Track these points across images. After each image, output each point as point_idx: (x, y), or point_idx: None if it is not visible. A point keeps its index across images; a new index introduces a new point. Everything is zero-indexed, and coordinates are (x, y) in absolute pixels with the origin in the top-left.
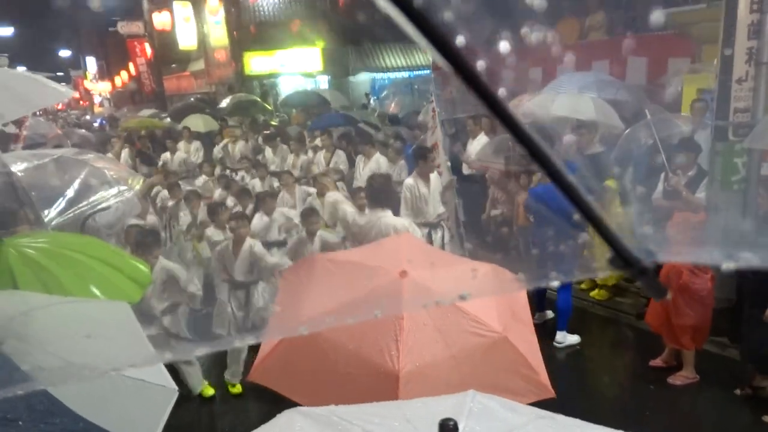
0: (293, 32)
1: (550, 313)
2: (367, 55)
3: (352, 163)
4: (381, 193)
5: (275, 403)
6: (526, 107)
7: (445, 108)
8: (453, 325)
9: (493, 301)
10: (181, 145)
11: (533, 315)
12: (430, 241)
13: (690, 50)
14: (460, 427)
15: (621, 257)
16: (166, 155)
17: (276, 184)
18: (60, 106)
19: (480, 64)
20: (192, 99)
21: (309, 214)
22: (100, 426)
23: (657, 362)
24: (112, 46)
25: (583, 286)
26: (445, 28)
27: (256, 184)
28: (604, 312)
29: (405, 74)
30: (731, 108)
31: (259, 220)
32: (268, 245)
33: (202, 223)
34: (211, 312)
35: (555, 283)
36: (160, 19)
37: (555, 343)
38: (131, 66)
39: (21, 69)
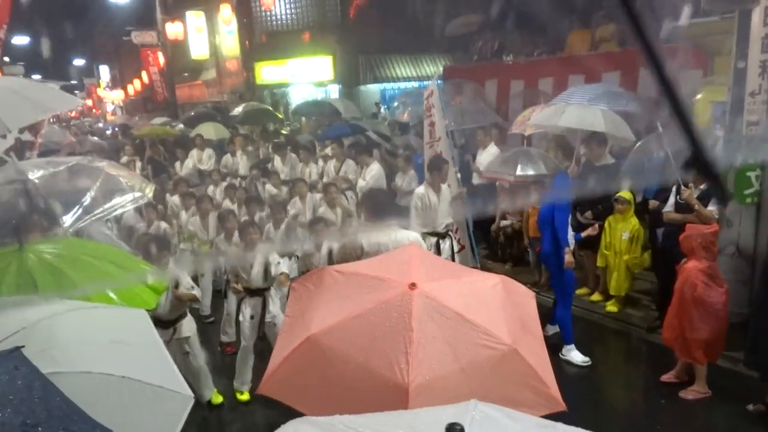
0: (304, 42)
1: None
2: (378, 64)
3: None
4: (381, 207)
5: (283, 411)
6: (536, 118)
7: (454, 118)
8: (463, 338)
9: (503, 313)
10: (194, 152)
11: (543, 327)
12: (438, 250)
13: (703, 63)
14: None
15: (699, 160)
16: (180, 163)
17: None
18: (73, 114)
19: None
20: (204, 107)
21: (316, 223)
22: None
23: (669, 377)
24: (126, 55)
25: (593, 298)
26: None
27: (271, 191)
28: (615, 325)
29: (415, 84)
30: (744, 121)
31: (269, 229)
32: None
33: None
34: (219, 320)
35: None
36: (173, 29)
37: (561, 355)
38: (144, 75)
39: (36, 77)
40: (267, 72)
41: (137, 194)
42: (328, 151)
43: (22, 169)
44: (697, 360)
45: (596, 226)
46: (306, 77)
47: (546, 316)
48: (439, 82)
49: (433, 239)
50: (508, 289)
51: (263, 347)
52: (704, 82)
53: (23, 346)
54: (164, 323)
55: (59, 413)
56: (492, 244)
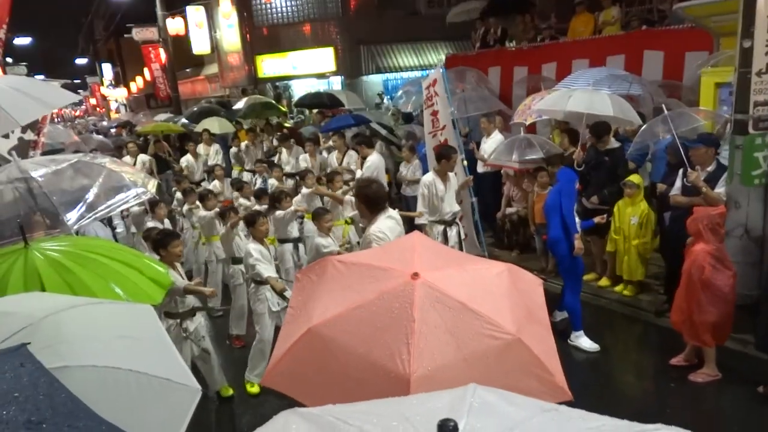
0: (305, 34)
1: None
2: (380, 55)
3: None
4: (374, 198)
5: (294, 403)
6: (542, 104)
7: (457, 107)
8: (465, 327)
9: (507, 301)
10: (201, 148)
11: (551, 314)
12: (445, 238)
13: (708, 44)
14: (461, 425)
15: None
16: (185, 158)
17: (290, 183)
18: (78, 113)
19: None
20: (206, 102)
21: (321, 214)
22: (123, 429)
23: (678, 360)
24: (127, 53)
25: (601, 283)
26: None
27: (273, 185)
28: (623, 309)
29: (417, 73)
30: (751, 101)
31: (275, 219)
32: (285, 242)
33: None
34: (227, 314)
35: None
36: (174, 25)
37: (569, 341)
38: (146, 71)
39: (39, 77)
40: (269, 65)
41: (140, 190)
42: (332, 142)
43: (25, 168)
44: (706, 343)
45: (604, 216)
46: (308, 69)
47: (554, 302)
48: (442, 69)
49: (441, 227)
50: (513, 277)
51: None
52: (709, 63)
53: (29, 343)
54: (174, 316)
55: (64, 410)
56: (498, 232)
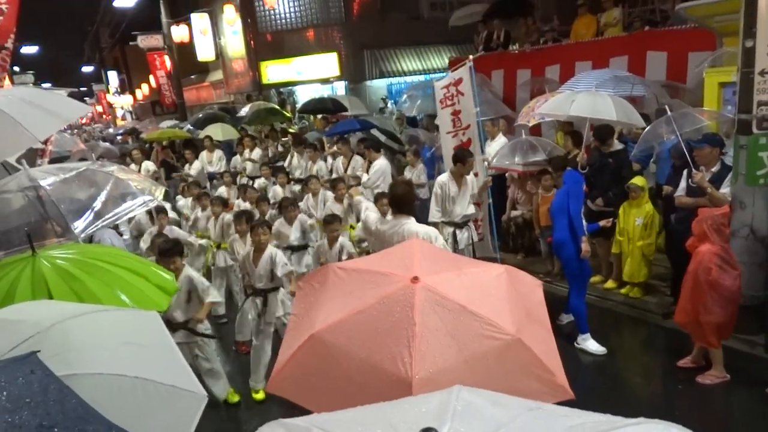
0: (309, 40)
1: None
2: (383, 59)
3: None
4: (403, 200)
5: (299, 409)
6: (545, 107)
7: None
8: (465, 329)
9: (506, 302)
10: (204, 154)
11: (557, 317)
12: (455, 240)
13: (711, 44)
14: (444, 431)
15: None
16: (189, 165)
17: (297, 188)
18: (84, 121)
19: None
20: (211, 109)
21: (331, 221)
22: None
23: (685, 362)
24: (133, 60)
25: (607, 285)
26: None
27: (277, 191)
28: (630, 311)
29: (421, 77)
30: (754, 101)
31: (280, 226)
32: (291, 249)
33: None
34: (232, 320)
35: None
36: (179, 32)
37: (576, 344)
38: (152, 78)
39: (46, 85)
40: (273, 71)
41: (147, 197)
42: (336, 148)
43: (33, 176)
44: (712, 344)
45: (610, 220)
46: (312, 75)
47: (560, 305)
48: (471, 66)
49: (450, 229)
50: (512, 279)
51: (277, 346)
52: (709, 61)
53: (39, 351)
54: (181, 325)
55: (74, 415)
56: (503, 235)
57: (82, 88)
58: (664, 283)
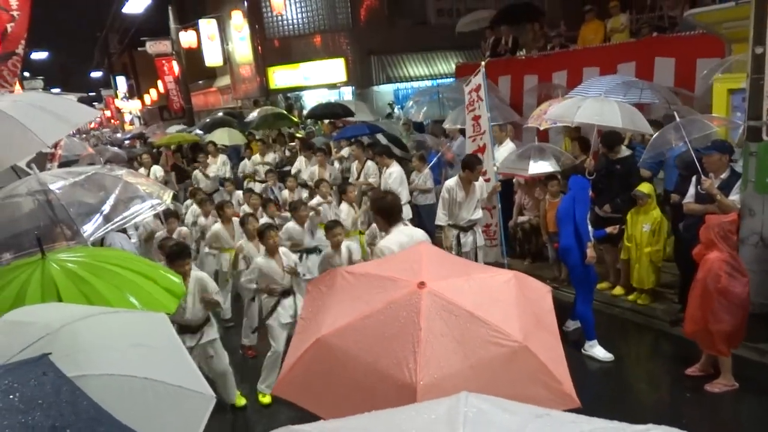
0: (316, 45)
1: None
2: (390, 65)
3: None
4: (388, 210)
5: (304, 413)
6: (552, 112)
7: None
8: (472, 335)
9: (514, 309)
10: (208, 159)
11: (564, 323)
12: (459, 244)
13: (719, 50)
14: None
15: None
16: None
17: (305, 195)
18: (92, 125)
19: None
20: (220, 114)
21: (332, 227)
22: None
23: (693, 370)
24: (141, 66)
25: (614, 292)
26: None
27: (285, 196)
28: (638, 318)
29: (428, 83)
30: (764, 107)
31: (292, 229)
32: (302, 252)
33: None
34: (238, 324)
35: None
36: (187, 38)
37: (583, 351)
38: (160, 84)
39: (55, 91)
40: (280, 76)
41: (155, 201)
42: (344, 152)
43: (43, 180)
44: (722, 352)
45: (617, 226)
46: (319, 80)
47: (567, 311)
48: (483, 73)
49: (455, 231)
50: (521, 285)
51: (287, 349)
52: (721, 69)
53: (50, 353)
54: (192, 329)
55: (87, 416)
56: (510, 241)
57: (90, 93)
58: (672, 290)
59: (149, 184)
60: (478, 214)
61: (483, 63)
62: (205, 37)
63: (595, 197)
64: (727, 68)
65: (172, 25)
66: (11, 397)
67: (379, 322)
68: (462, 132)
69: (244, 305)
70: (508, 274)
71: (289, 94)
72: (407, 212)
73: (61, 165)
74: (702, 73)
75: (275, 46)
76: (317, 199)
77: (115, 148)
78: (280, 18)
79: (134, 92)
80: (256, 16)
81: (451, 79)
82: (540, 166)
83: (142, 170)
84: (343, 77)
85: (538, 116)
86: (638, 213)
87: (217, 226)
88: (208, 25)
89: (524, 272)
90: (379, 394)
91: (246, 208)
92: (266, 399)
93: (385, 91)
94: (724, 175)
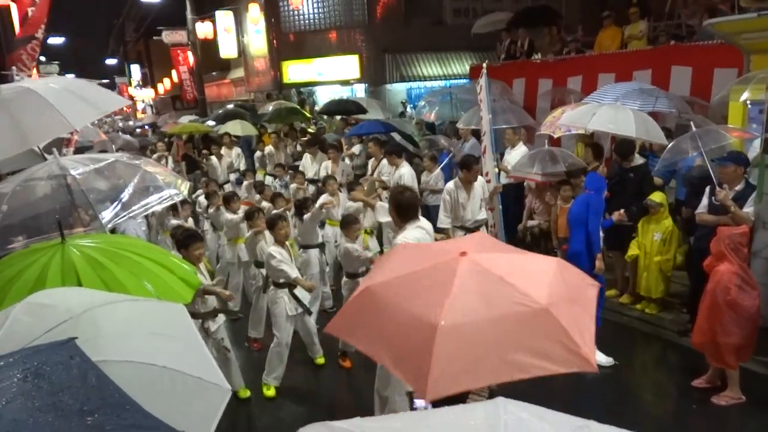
0: (331, 41)
1: None
2: (404, 63)
3: None
4: (406, 206)
5: (308, 406)
6: (566, 118)
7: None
8: (498, 294)
9: (545, 282)
10: (223, 150)
11: None
12: None
13: (737, 61)
14: None
15: None
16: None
17: (312, 189)
18: None
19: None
20: (232, 105)
21: (352, 222)
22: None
23: (700, 382)
24: (156, 55)
25: (622, 300)
26: None
27: (293, 189)
28: (645, 327)
29: (442, 83)
30: None
31: (300, 224)
32: (311, 248)
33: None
34: (247, 316)
35: None
36: (203, 29)
37: None
38: (174, 73)
39: (70, 76)
40: (294, 71)
41: (173, 191)
42: (355, 149)
43: (64, 165)
44: (729, 365)
45: (621, 212)
46: (332, 76)
47: None
48: (485, 77)
49: (461, 233)
50: (561, 269)
51: (293, 342)
52: (739, 80)
53: (77, 337)
54: (196, 316)
55: (113, 401)
56: (518, 244)
57: (105, 81)
58: (680, 300)
59: (167, 174)
60: (484, 214)
61: (484, 65)
62: (221, 29)
63: (608, 196)
64: (744, 80)
65: (189, 15)
66: (41, 378)
67: (419, 277)
68: (473, 133)
69: (252, 298)
70: (550, 259)
71: (302, 89)
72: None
73: (76, 151)
74: (719, 82)
75: (290, 41)
76: (325, 196)
77: (127, 135)
78: (296, 12)
79: (148, 81)
80: (273, 9)
81: (465, 80)
82: (549, 170)
83: (154, 156)
84: (357, 74)
85: (551, 123)
86: (649, 221)
87: (229, 216)
88: (224, 17)
89: None
90: (403, 330)
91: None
92: (270, 392)
93: (398, 89)
94: (738, 187)
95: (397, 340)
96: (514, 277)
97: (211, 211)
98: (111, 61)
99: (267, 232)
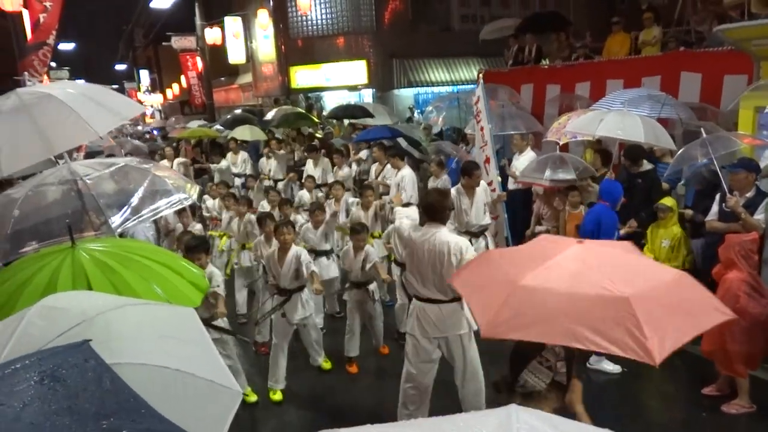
0: (339, 47)
1: None
2: (412, 69)
3: None
4: (435, 208)
5: (315, 411)
6: (573, 125)
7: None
8: (586, 275)
9: (648, 283)
10: (229, 156)
11: None
12: None
13: (747, 67)
14: None
15: None
16: (217, 164)
17: (320, 194)
18: None
19: None
20: (240, 111)
21: (360, 231)
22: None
23: (710, 390)
24: (165, 60)
25: None
26: None
27: (303, 196)
28: None
29: (449, 88)
30: None
31: (307, 231)
32: (315, 253)
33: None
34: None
35: None
36: (212, 34)
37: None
38: (183, 79)
39: (80, 82)
40: (302, 76)
41: (183, 195)
42: (362, 154)
43: (74, 170)
44: (739, 373)
45: (633, 222)
46: (340, 81)
47: None
48: (482, 85)
49: (466, 237)
50: (682, 282)
51: (297, 347)
52: (751, 89)
53: (91, 340)
54: (204, 322)
55: (128, 406)
56: None
57: (114, 86)
58: None
59: (176, 178)
60: (488, 219)
61: (481, 74)
62: (230, 35)
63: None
64: (756, 88)
65: (198, 21)
66: (57, 381)
67: (560, 266)
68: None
69: (259, 302)
70: (673, 270)
71: (309, 94)
72: (415, 214)
73: (86, 155)
74: (729, 89)
75: (298, 46)
76: (333, 202)
77: (136, 140)
78: (304, 18)
79: (157, 86)
80: (282, 15)
81: (473, 86)
82: (558, 176)
83: (164, 162)
84: (365, 79)
85: (557, 130)
86: (658, 227)
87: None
88: (233, 23)
89: None
90: (592, 310)
91: (265, 204)
92: (277, 396)
93: (406, 95)
94: (749, 194)
95: (592, 319)
96: (613, 270)
97: (225, 215)
98: (120, 67)
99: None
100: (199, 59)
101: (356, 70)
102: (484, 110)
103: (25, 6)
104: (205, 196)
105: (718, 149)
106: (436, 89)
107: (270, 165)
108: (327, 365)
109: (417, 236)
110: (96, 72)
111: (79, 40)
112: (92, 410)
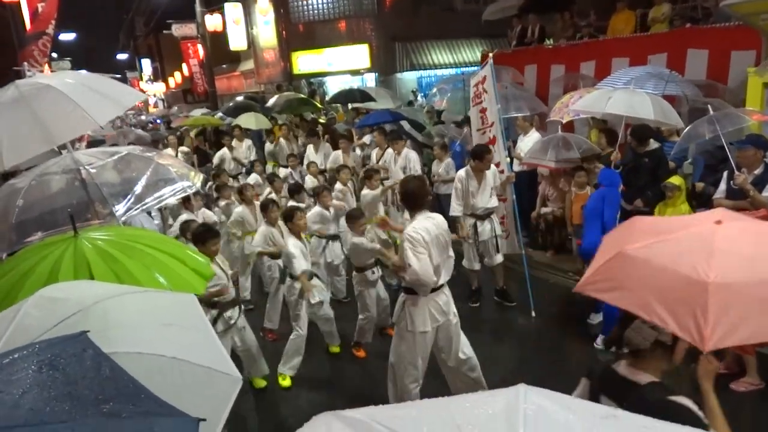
0: (341, 31)
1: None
2: (414, 52)
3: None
4: (415, 195)
5: (324, 395)
6: (581, 103)
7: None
8: (685, 259)
9: (752, 273)
10: (234, 143)
11: (587, 316)
12: (476, 232)
13: (755, 43)
14: None
15: None
16: (221, 152)
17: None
18: None
19: None
20: (243, 98)
21: (358, 217)
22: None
23: (719, 368)
24: (166, 49)
25: None
26: None
27: (308, 181)
28: None
29: (452, 71)
30: None
31: (320, 213)
32: (327, 239)
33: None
34: (258, 307)
35: None
36: (212, 21)
37: (595, 345)
38: (184, 67)
39: (82, 72)
40: (304, 61)
41: (187, 183)
42: (366, 139)
43: (78, 159)
44: (746, 351)
45: (639, 202)
46: (343, 66)
47: (591, 304)
48: (491, 65)
49: (472, 220)
50: None
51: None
52: (760, 68)
53: (88, 331)
54: (216, 305)
55: (127, 392)
56: (532, 231)
57: (116, 75)
58: None
59: (180, 166)
60: (494, 202)
61: (491, 54)
62: (230, 21)
63: (624, 190)
64: (763, 66)
65: (198, 8)
66: (56, 370)
67: (676, 241)
68: None
69: (269, 290)
70: None
71: (312, 80)
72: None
73: (89, 145)
74: (736, 65)
75: (299, 31)
76: (338, 185)
77: (139, 130)
78: (305, 2)
79: (159, 75)
80: (282, 0)
81: (476, 68)
82: (563, 156)
83: (168, 151)
84: (367, 63)
85: (560, 109)
86: (666, 206)
87: (241, 209)
88: (233, 9)
89: (546, 264)
90: (674, 286)
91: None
92: (286, 382)
93: (409, 78)
94: (758, 171)
95: (669, 296)
96: (726, 257)
97: (222, 203)
98: (122, 56)
99: (281, 224)
100: (200, 47)
101: (358, 54)
102: (492, 90)
103: None
104: (210, 184)
105: (726, 126)
106: (439, 72)
107: (278, 151)
108: (335, 349)
109: (432, 228)
110: (98, 62)
111: (80, 30)
112: (92, 396)
